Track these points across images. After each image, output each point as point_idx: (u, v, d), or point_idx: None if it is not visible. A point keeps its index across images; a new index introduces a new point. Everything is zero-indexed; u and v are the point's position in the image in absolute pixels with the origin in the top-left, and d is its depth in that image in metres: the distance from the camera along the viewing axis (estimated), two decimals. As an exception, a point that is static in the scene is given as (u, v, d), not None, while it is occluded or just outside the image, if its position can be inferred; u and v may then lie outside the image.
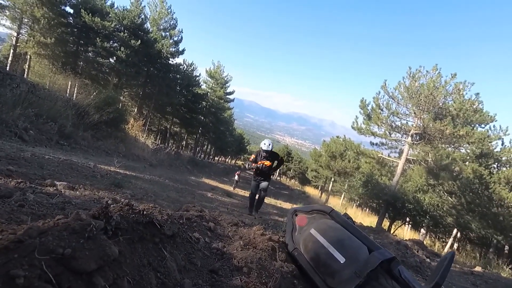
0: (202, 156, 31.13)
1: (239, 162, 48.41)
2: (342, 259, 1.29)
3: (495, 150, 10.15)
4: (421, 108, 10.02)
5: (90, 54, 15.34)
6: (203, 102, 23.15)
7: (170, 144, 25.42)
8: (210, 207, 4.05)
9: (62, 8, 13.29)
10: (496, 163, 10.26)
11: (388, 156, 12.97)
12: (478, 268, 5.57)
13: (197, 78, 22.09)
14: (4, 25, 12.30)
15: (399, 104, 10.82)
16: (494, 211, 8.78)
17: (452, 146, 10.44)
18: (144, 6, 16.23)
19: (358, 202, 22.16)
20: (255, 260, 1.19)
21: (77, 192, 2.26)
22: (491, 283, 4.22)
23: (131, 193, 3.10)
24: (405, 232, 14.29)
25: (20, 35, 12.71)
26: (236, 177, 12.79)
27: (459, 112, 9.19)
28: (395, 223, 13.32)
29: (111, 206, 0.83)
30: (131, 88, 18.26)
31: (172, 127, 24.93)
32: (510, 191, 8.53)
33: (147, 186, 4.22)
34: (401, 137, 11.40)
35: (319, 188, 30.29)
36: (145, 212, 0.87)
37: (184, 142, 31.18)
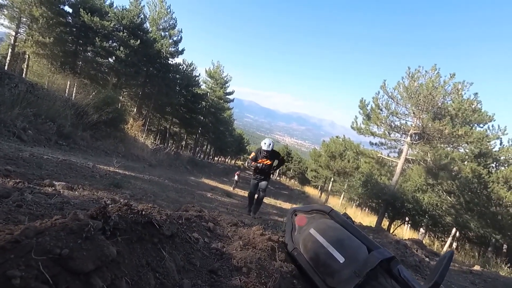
0: (202, 156, 31.10)
1: (239, 162, 48.41)
2: (341, 259, 1.29)
3: (494, 150, 10.19)
4: (420, 108, 10.04)
5: (89, 53, 15.29)
6: (203, 102, 23.12)
7: (169, 144, 25.37)
8: (210, 207, 4.04)
9: (61, 7, 13.23)
10: (495, 163, 10.29)
11: (388, 156, 12.99)
12: (477, 267, 5.59)
13: (196, 78, 22.06)
14: (2, 24, 12.24)
15: (398, 104, 10.85)
16: (492, 210, 8.82)
17: (451, 145, 10.47)
18: (144, 5, 16.21)
19: (358, 202, 22.19)
20: (254, 260, 1.19)
21: (76, 192, 2.25)
22: (489, 282, 4.24)
23: (130, 194, 3.10)
24: (404, 232, 14.32)
25: (19, 34, 12.65)
26: (236, 177, 12.79)
27: (458, 112, 9.22)
28: (394, 223, 13.35)
29: (109, 206, 0.83)
30: (131, 88, 18.22)
31: (171, 127, 24.89)
32: (509, 191, 8.56)
33: (147, 186, 4.21)
34: (400, 137, 11.42)
35: (319, 188, 30.32)
36: (143, 212, 0.87)
37: (183, 142, 31.15)
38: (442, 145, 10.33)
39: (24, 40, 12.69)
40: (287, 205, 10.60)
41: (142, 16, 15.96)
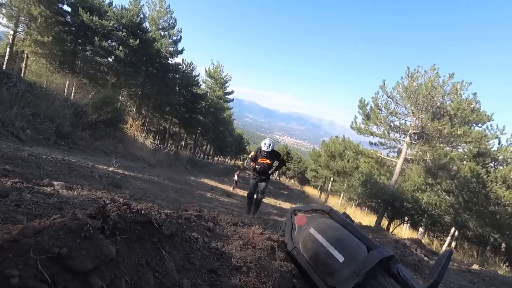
0: (202, 156, 31.08)
1: (239, 162, 48.41)
2: (341, 258, 1.29)
3: (492, 149, 10.23)
4: (419, 107, 10.07)
5: (88, 53, 15.23)
6: (202, 102, 23.10)
7: (169, 144, 25.34)
8: (209, 207, 4.04)
9: (60, 6, 13.18)
10: (493, 162, 10.33)
11: (387, 155, 13.03)
12: (475, 266, 5.62)
13: (196, 78, 22.03)
14: (0, 23, 12.18)
15: (397, 104, 10.87)
16: (491, 210, 8.85)
17: (450, 145, 10.51)
18: (143, 5, 16.16)
19: (357, 202, 22.24)
20: (254, 260, 1.19)
21: (75, 192, 2.25)
22: (488, 281, 4.26)
23: (130, 193, 3.09)
24: (403, 231, 14.37)
25: (17, 33, 12.59)
26: (236, 177, 12.79)
27: (457, 111, 9.25)
28: (393, 222, 13.39)
29: (109, 205, 0.82)
30: (130, 88, 18.17)
31: (171, 127, 24.85)
32: (507, 190, 8.59)
33: (146, 186, 4.20)
34: (400, 137, 11.45)
35: (319, 188, 30.36)
36: (143, 212, 0.86)
37: (183, 142, 31.12)
38: (441, 145, 10.36)
39: (23, 39, 12.64)
40: (286, 205, 10.61)
41: (141, 15, 15.92)
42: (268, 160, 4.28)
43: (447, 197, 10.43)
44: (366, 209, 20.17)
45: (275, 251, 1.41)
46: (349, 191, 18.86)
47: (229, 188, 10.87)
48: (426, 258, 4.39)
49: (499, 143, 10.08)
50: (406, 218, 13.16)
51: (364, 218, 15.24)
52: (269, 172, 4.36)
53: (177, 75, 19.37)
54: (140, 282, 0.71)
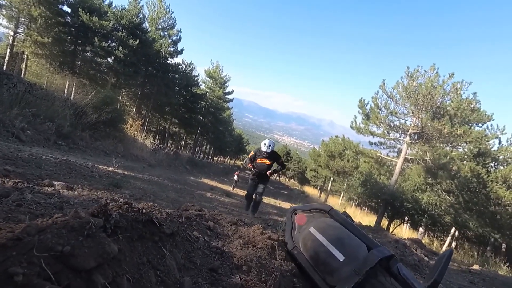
0: (201, 156, 31.08)
1: (238, 162, 48.39)
2: (341, 257, 1.30)
3: (493, 149, 10.22)
4: (419, 107, 10.07)
5: (88, 53, 15.24)
6: (202, 102, 23.10)
7: (169, 144, 25.34)
8: (209, 207, 4.04)
9: (60, 7, 13.19)
10: (494, 162, 10.33)
11: (387, 155, 13.02)
12: (476, 266, 5.62)
13: (195, 78, 22.04)
14: (0, 24, 12.20)
15: (397, 104, 10.87)
16: (491, 210, 8.85)
17: (450, 145, 10.50)
18: (143, 5, 16.17)
19: (357, 202, 22.24)
20: (254, 259, 1.19)
21: (75, 192, 2.25)
22: (488, 281, 4.26)
23: (130, 193, 3.09)
24: (403, 231, 14.37)
25: (17, 34, 12.60)
26: (235, 177, 12.79)
27: (457, 111, 9.25)
28: (393, 222, 13.39)
29: (110, 204, 0.83)
30: (130, 88, 18.18)
31: (171, 127, 24.85)
32: (507, 190, 8.59)
33: (146, 186, 4.21)
34: (400, 137, 11.45)
35: (318, 188, 30.35)
36: (144, 211, 0.87)
37: (183, 142, 31.12)
38: (441, 145, 10.36)
39: (23, 40, 12.65)
40: (286, 205, 10.61)
41: (141, 15, 15.93)
42: (267, 161, 4.18)
43: (447, 197, 10.43)
44: (366, 209, 20.17)
45: (276, 250, 1.41)
46: (349, 191, 18.87)
47: (229, 188, 10.87)
48: (426, 258, 4.39)
49: (500, 143, 10.09)
50: (406, 218, 13.16)
51: (364, 218, 15.25)
52: (268, 173, 4.22)
53: (176, 75, 19.38)
54: (142, 280, 0.71)
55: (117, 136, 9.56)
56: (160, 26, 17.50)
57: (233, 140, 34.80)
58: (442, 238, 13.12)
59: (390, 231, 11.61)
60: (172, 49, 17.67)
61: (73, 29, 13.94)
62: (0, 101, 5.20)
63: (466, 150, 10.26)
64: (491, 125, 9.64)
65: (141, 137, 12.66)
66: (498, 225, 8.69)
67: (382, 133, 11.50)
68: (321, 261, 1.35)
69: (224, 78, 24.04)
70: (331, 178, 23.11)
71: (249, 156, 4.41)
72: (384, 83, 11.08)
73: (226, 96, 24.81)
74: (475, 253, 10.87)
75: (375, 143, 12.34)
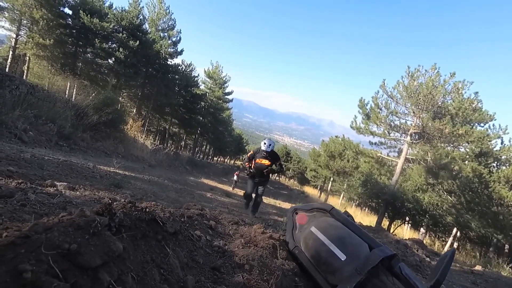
0: (201, 156, 31.11)
1: (238, 162, 48.41)
2: (343, 257, 1.30)
3: (495, 149, 10.17)
4: (420, 107, 10.04)
5: (88, 55, 15.31)
6: (202, 103, 23.15)
7: (169, 144, 25.40)
8: (210, 207, 4.04)
9: (61, 9, 13.27)
10: (496, 162, 10.28)
11: (387, 155, 12.99)
12: (478, 267, 5.59)
13: (195, 79, 22.09)
14: (3, 26, 12.29)
15: (398, 104, 10.85)
16: (493, 210, 8.81)
17: (451, 145, 10.47)
18: (143, 7, 16.24)
19: (358, 202, 22.19)
20: (256, 258, 1.20)
21: (77, 192, 2.26)
22: (491, 282, 4.24)
23: (131, 194, 3.11)
24: (404, 232, 14.31)
25: (19, 36, 12.69)
26: (235, 177, 12.81)
27: (458, 111, 9.22)
28: (394, 223, 13.34)
29: (114, 203, 0.84)
30: (130, 89, 18.24)
31: (171, 127, 24.91)
32: (510, 190, 8.55)
33: (147, 187, 4.22)
34: (400, 137, 11.42)
35: (318, 188, 30.31)
36: (147, 210, 0.88)
37: (183, 143, 31.17)
38: (442, 145, 10.32)
39: (25, 42, 12.73)
40: (286, 205, 10.60)
41: (141, 17, 15.99)
42: (267, 161, 4.07)
43: (449, 197, 10.39)
44: (367, 209, 20.11)
45: (277, 249, 1.42)
46: (349, 191, 18.82)
47: (229, 188, 10.87)
48: (427, 259, 4.38)
49: (502, 142, 10.04)
50: (407, 219, 13.10)
51: (365, 218, 15.21)
52: (265, 171, 4.07)
53: (176, 76, 19.43)
54: (146, 278, 0.72)
55: (118, 136, 9.59)
56: (160, 27, 17.56)
57: (232, 140, 34.83)
58: (443, 239, 13.07)
59: (391, 231, 11.57)
60: (172, 50, 17.73)
61: (74, 31, 14.01)
62: (2, 102, 5.23)
63: (467, 150, 10.22)
64: (493, 125, 9.61)
65: (141, 137, 12.69)
66: (501, 226, 8.65)
67: (382, 133, 11.48)
68: (323, 260, 1.35)
69: (224, 79, 24.09)
70: (331, 178, 23.07)
71: (248, 155, 4.34)
72: (384, 83, 11.06)
73: (226, 97, 24.86)
74: (478, 254, 10.82)
75: (375, 143, 12.31)
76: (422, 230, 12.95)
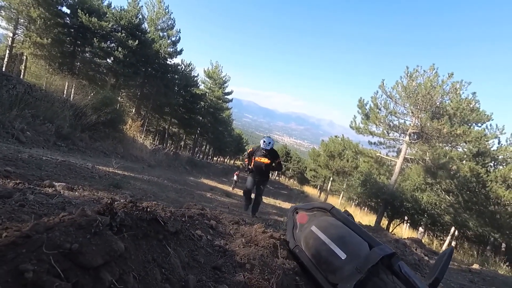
0: (201, 156, 31.08)
1: (238, 162, 48.41)
2: (343, 256, 1.31)
3: (492, 149, 10.26)
4: (418, 107, 10.09)
5: (87, 54, 15.23)
6: (201, 103, 23.11)
7: (168, 144, 25.35)
8: (210, 207, 4.04)
9: (59, 8, 13.17)
10: (493, 162, 10.36)
11: (386, 155, 13.05)
12: (475, 266, 5.63)
13: (195, 79, 22.06)
14: (0, 25, 12.19)
15: (397, 104, 10.90)
16: (491, 209, 8.88)
17: (450, 145, 10.53)
18: (142, 6, 16.18)
19: (357, 201, 22.27)
20: (257, 257, 1.20)
21: (76, 192, 2.25)
22: (488, 280, 4.27)
23: (130, 194, 3.10)
24: (403, 231, 14.39)
25: (16, 35, 12.59)
26: (235, 177, 12.81)
27: (456, 111, 9.28)
28: (393, 222, 13.41)
29: (115, 203, 0.83)
30: (129, 89, 18.17)
31: (170, 127, 24.85)
32: (507, 189, 8.62)
33: (146, 187, 4.21)
34: (399, 136, 11.47)
35: (318, 188, 30.38)
36: (148, 209, 0.88)
37: (182, 143, 31.12)
38: (440, 144, 10.38)
39: (22, 42, 12.63)
40: (286, 205, 10.62)
41: (140, 16, 15.92)
42: (266, 159, 4.02)
43: (447, 196, 10.46)
44: (366, 208, 20.19)
45: (278, 249, 1.42)
46: (349, 191, 18.88)
47: (229, 188, 10.87)
48: (426, 258, 4.40)
49: (499, 142, 10.13)
50: (406, 218, 13.18)
51: (364, 217, 15.27)
52: (265, 166, 4.00)
53: (176, 76, 19.38)
54: (148, 278, 0.72)
55: (117, 136, 9.55)
56: (159, 27, 17.51)
57: (232, 140, 34.82)
58: (441, 238, 13.15)
59: (390, 230, 11.63)
60: (171, 50, 17.68)
61: (72, 30, 13.93)
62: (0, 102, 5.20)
63: (465, 149, 10.29)
64: (491, 125, 9.68)
65: (141, 137, 12.65)
66: (498, 225, 8.71)
67: (381, 133, 11.53)
68: (323, 259, 1.35)
69: (224, 78, 24.07)
70: (331, 178, 23.13)
71: (248, 151, 4.32)
72: (383, 83, 11.11)
73: (226, 96, 24.84)
74: (475, 253, 10.89)
75: (374, 143, 12.36)
76: (420, 229, 13.02)
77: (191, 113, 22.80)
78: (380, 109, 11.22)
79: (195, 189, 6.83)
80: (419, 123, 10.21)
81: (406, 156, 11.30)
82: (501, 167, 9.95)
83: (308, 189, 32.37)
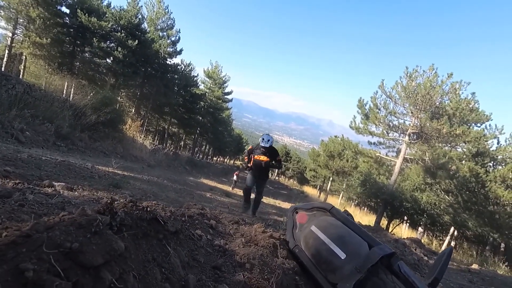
0: (201, 156, 31.07)
1: (238, 162, 48.41)
2: (343, 255, 1.31)
3: (491, 149, 10.28)
4: (418, 107, 10.11)
5: (86, 54, 15.21)
6: (201, 102, 23.11)
7: (168, 144, 25.35)
8: (209, 207, 4.04)
9: (58, 8, 13.16)
10: (492, 162, 10.39)
11: (386, 155, 13.07)
12: (475, 266, 5.65)
13: (195, 78, 22.06)
14: (-1, 25, 12.17)
15: (396, 104, 10.92)
16: (490, 209, 8.90)
17: (449, 145, 10.56)
18: (141, 6, 16.17)
19: (356, 201, 22.29)
20: (257, 257, 1.20)
21: (76, 192, 2.25)
22: (487, 280, 4.28)
23: (130, 194, 3.09)
24: (403, 231, 14.41)
25: (15, 35, 12.57)
26: (235, 177, 12.81)
27: (456, 111, 9.30)
28: (393, 222, 13.43)
29: (116, 202, 0.83)
30: (129, 89, 18.15)
31: (170, 127, 24.84)
32: (506, 189, 8.64)
33: (146, 187, 4.21)
34: (399, 136, 11.49)
35: (318, 188, 30.40)
36: (148, 209, 0.88)
37: (182, 143, 31.11)
38: (440, 145, 10.41)
39: (21, 41, 12.61)
40: (286, 205, 10.62)
41: (140, 16, 15.92)
42: (265, 157, 3.97)
43: (446, 196, 10.48)
44: (365, 208, 20.22)
45: (277, 248, 1.42)
46: (348, 191, 18.91)
47: (228, 188, 10.87)
48: (425, 258, 4.41)
49: (498, 142, 10.16)
50: (405, 218, 13.20)
51: (364, 217, 15.29)
52: (264, 163, 3.96)
53: (175, 76, 19.38)
54: (148, 277, 0.72)
55: (116, 136, 9.54)
56: (159, 27, 17.50)
57: (232, 140, 34.82)
58: (441, 238, 13.17)
59: (390, 230, 11.64)
60: (171, 50, 17.68)
61: (71, 30, 13.91)
62: (-1, 102, 5.19)
63: (465, 150, 10.32)
64: (490, 125, 9.71)
65: (140, 137, 12.65)
66: (497, 225, 8.74)
67: (381, 133, 11.54)
68: (323, 259, 1.36)
69: (223, 78, 24.07)
70: (331, 178, 23.15)
71: (248, 149, 4.29)
72: (383, 83, 11.13)
73: (225, 96, 24.84)
74: (474, 253, 10.92)
75: (374, 143, 12.38)
76: (420, 229, 13.05)
77: (191, 113, 22.80)
78: (379, 109, 11.23)
79: (194, 189, 6.83)
80: (418, 123, 10.23)
81: (405, 156, 11.32)
82: (500, 167, 9.98)
83: (308, 189, 32.40)
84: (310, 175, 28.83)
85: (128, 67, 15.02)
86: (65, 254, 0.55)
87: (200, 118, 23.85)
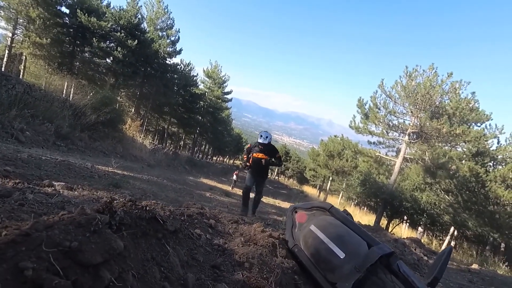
0: (200, 156, 31.08)
1: (237, 162, 48.41)
2: (342, 255, 1.31)
3: (491, 149, 10.28)
4: (418, 107, 10.11)
5: (86, 54, 15.22)
6: (201, 102, 23.11)
7: (168, 144, 25.35)
8: (209, 206, 4.04)
9: (58, 8, 13.16)
10: (492, 162, 10.39)
11: (386, 155, 13.07)
12: (475, 266, 5.65)
13: (194, 78, 22.05)
14: (-1, 25, 12.17)
15: (396, 103, 10.91)
16: (490, 209, 8.90)
17: (449, 144, 10.55)
18: (141, 6, 16.17)
19: (356, 201, 22.28)
20: (256, 256, 1.21)
21: (76, 192, 2.25)
22: (487, 280, 4.28)
23: (130, 193, 3.10)
24: (402, 231, 14.42)
25: (15, 35, 12.57)
26: (235, 176, 12.82)
27: (456, 111, 9.29)
28: (392, 222, 13.43)
29: (115, 201, 0.84)
30: (128, 88, 18.15)
31: (169, 127, 24.84)
32: (506, 189, 8.64)
33: (145, 187, 4.21)
34: (399, 136, 11.49)
35: (317, 187, 30.41)
36: (148, 208, 0.88)
37: (182, 142, 31.12)
38: (440, 144, 10.40)
39: (21, 41, 12.62)
40: (286, 204, 10.63)
41: (139, 16, 15.92)
42: (264, 155, 3.89)
43: (446, 196, 10.48)
44: (365, 208, 20.22)
45: (277, 248, 1.42)
46: (348, 191, 18.91)
47: (228, 188, 10.88)
48: (425, 257, 4.41)
49: (498, 142, 10.15)
50: (405, 218, 13.20)
51: (363, 217, 15.29)
52: (267, 168, 3.91)
53: (175, 76, 19.38)
54: (147, 276, 0.72)
55: (116, 136, 9.54)
56: (158, 26, 17.49)
57: (232, 140, 34.82)
58: (441, 238, 13.18)
59: (389, 230, 11.65)
60: (170, 49, 17.67)
61: (71, 30, 13.91)
62: (-1, 102, 5.19)
63: (465, 149, 10.32)
64: (490, 125, 9.70)
65: (140, 137, 12.65)
66: (497, 225, 8.74)
67: (381, 133, 11.54)
68: (322, 258, 1.36)
69: (223, 78, 24.07)
70: (330, 178, 23.16)
71: (246, 147, 4.24)
72: (383, 83, 11.12)
73: (225, 96, 24.84)
74: (474, 253, 10.92)
75: (374, 143, 12.37)
76: (420, 229, 13.05)
77: (191, 112, 22.80)
78: (379, 109, 11.23)
79: (194, 189, 6.84)
80: (418, 123, 10.22)
81: (405, 155, 11.32)
82: (500, 167, 9.98)
83: (308, 189, 32.41)
84: (309, 174, 28.83)
85: (128, 67, 15.02)
86: (65, 253, 0.56)
87: (200, 117, 23.85)
